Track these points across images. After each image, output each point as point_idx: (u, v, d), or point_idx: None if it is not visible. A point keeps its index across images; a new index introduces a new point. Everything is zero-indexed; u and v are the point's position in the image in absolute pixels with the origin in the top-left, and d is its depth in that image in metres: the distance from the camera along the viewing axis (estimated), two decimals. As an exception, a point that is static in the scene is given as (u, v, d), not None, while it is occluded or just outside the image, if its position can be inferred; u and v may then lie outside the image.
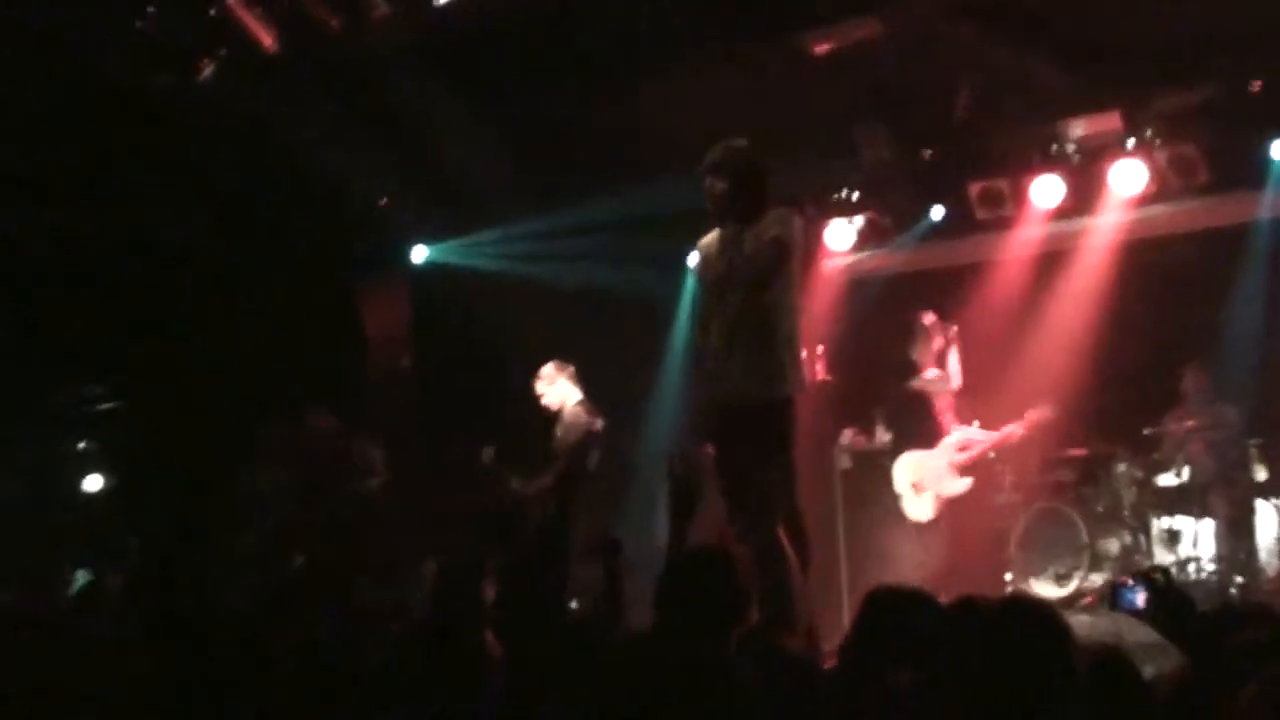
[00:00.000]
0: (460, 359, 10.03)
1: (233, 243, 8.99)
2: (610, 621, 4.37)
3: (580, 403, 8.80)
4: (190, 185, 8.59)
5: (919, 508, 8.56)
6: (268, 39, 8.00)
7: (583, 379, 8.98)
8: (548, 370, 8.85)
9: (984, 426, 9.37)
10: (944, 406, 8.74)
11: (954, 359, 8.88)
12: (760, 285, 5.88)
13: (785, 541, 5.66)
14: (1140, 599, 3.40)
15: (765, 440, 5.81)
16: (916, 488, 8.54)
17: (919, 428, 8.72)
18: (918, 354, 8.61)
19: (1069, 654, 2.77)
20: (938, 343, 8.59)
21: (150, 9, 7.84)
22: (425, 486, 9.10)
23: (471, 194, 10.01)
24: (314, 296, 9.37)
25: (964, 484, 8.62)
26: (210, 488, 7.96)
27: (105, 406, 10.26)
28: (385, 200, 10.10)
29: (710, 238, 6.19)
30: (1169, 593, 4.04)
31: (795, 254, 6.00)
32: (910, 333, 8.63)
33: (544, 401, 8.84)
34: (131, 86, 8.14)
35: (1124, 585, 3.43)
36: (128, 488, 9.93)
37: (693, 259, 10.57)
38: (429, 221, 10.47)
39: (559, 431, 8.76)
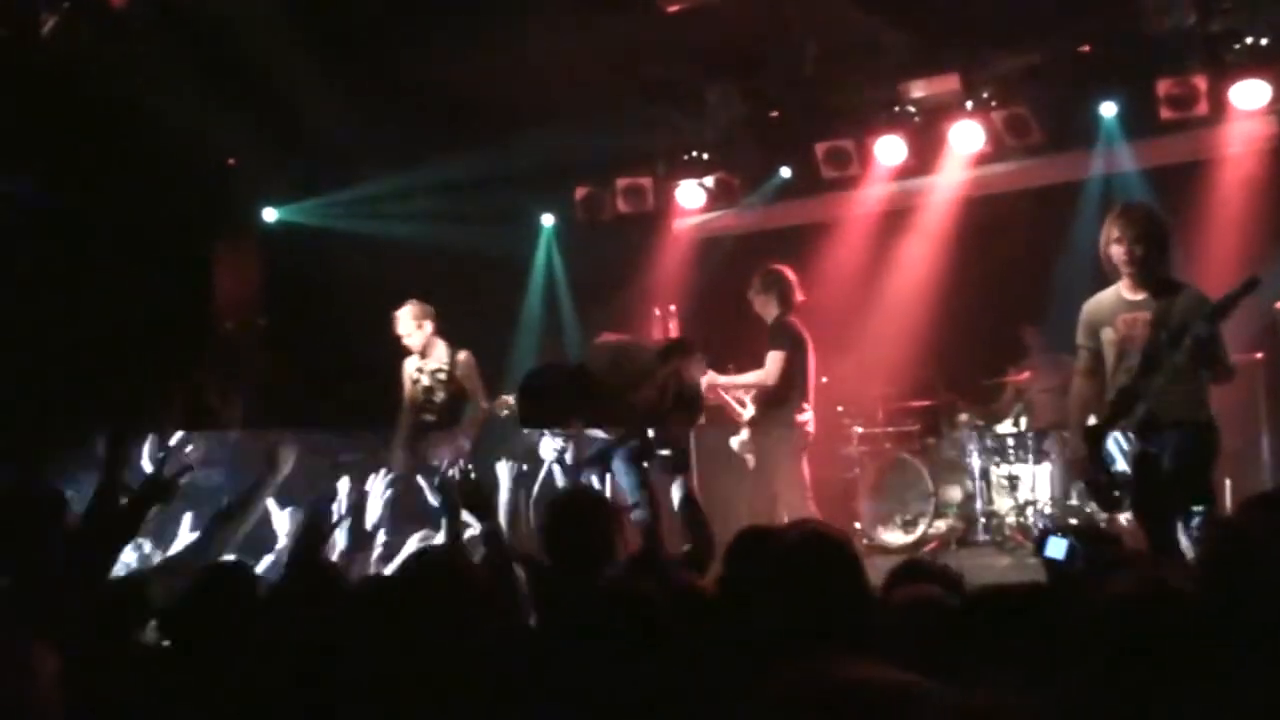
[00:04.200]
0: (314, 320, 9.92)
1: (77, 203, 8.73)
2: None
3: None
4: (33, 143, 8.32)
5: None
6: (114, -8, 7.78)
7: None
8: (413, 311, 8.50)
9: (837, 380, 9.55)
10: None
11: None
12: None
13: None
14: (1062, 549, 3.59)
15: None
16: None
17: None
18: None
19: (858, 575, 3.01)
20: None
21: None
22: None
23: (323, 154, 9.88)
24: (164, 257, 9.16)
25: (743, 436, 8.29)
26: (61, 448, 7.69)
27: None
28: (234, 160, 9.92)
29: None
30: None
31: None
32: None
33: (407, 341, 8.49)
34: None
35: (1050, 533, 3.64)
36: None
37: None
38: (281, 181, 10.32)
39: (459, 372, 8.45)
